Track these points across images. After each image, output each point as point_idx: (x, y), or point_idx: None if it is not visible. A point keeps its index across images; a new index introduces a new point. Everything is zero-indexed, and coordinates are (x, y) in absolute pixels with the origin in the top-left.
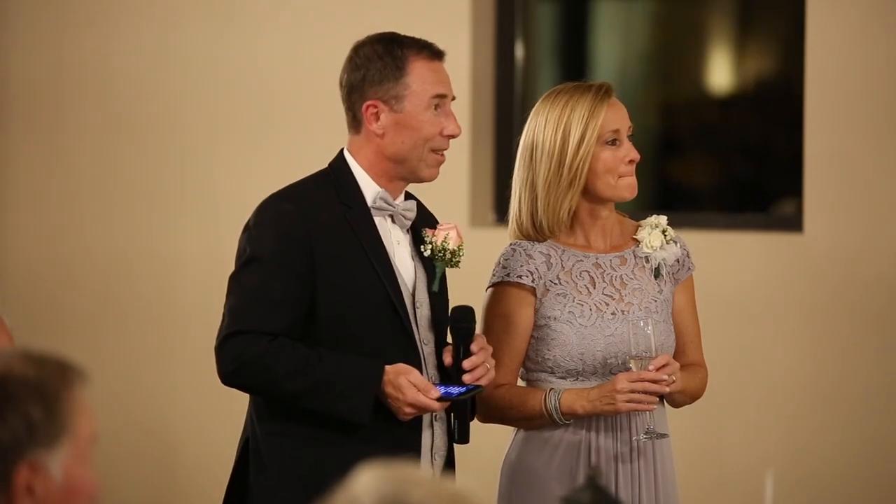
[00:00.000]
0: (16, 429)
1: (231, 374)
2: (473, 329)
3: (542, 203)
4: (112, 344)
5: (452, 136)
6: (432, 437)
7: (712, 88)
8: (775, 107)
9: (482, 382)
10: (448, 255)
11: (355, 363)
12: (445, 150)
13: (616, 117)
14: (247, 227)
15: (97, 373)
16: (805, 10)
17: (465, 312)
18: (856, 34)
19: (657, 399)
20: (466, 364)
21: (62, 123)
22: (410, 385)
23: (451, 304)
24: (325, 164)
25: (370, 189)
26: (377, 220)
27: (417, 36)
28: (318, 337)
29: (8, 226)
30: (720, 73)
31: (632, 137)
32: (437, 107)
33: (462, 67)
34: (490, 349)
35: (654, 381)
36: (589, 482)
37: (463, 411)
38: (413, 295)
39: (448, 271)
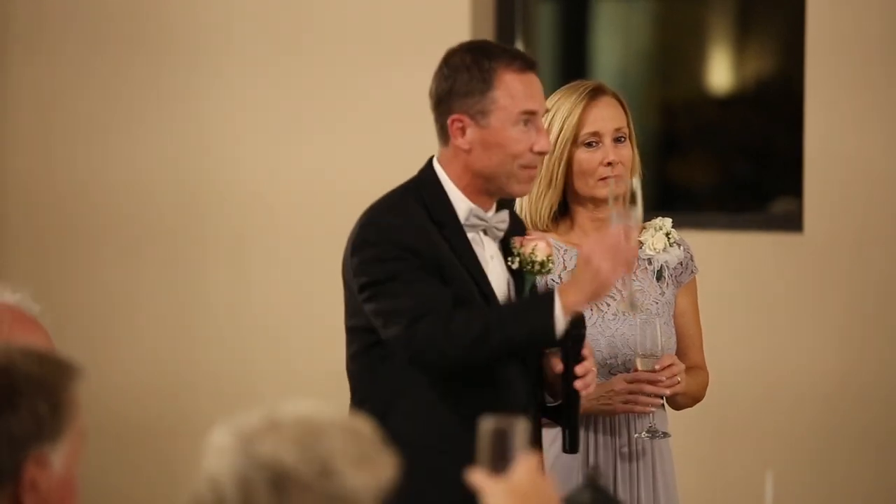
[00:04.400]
0: (25, 423)
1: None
2: (584, 335)
3: (527, 199)
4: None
5: (542, 153)
6: None
7: (712, 88)
8: (775, 106)
9: (588, 391)
10: (537, 267)
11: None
12: (537, 166)
13: (597, 118)
14: (359, 247)
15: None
16: (805, 10)
17: (578, 319)
18: (855, 34)
19: (656, 401)
20: (579, 370)
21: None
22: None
23: None
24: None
25: (462, 205)
26: (470, 235)
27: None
28: None
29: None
30: (720, 72)
31: (621, 139)
32: (526, 122)
33: None
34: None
35: (652, 383)
36: (588, 482)
37: (572, 419)
38: None
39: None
